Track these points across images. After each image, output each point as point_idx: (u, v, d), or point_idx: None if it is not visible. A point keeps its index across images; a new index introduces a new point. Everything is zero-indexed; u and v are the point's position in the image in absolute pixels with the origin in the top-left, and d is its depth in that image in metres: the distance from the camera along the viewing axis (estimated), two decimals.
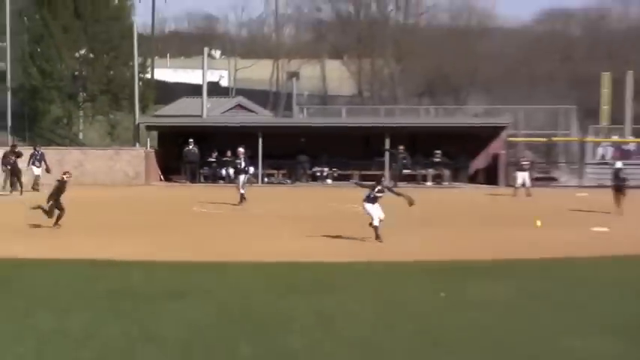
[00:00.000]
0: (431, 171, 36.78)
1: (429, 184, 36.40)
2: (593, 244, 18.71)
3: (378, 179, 20.06)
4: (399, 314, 10.81)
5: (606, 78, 46.61)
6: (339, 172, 37.39)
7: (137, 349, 8.35)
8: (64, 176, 20.40)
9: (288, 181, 37.30)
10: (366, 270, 15.06)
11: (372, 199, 18.39)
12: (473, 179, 37.57)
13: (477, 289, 12.79)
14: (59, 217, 19.44)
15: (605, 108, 47.18)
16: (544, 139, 40.67)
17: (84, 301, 11.28)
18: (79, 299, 11.56)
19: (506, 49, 64.47)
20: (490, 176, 36.51)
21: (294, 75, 56.08)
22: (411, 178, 35.59)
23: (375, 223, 17.87)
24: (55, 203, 19.18)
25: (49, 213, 18.93)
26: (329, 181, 37.53)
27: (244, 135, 36.05)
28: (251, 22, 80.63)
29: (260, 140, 36.90)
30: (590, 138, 41.59)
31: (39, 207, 19.11)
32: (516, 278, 13.92)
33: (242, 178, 26.72)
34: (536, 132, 41.51)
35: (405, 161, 35.77)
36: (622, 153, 39.45)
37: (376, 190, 18.86)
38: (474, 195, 32.96)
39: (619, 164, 27.74)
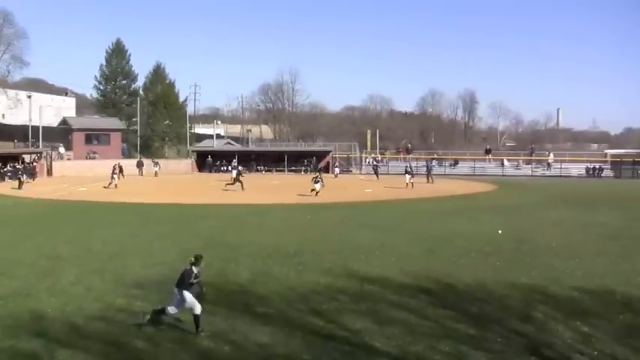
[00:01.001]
0: (303, 167, 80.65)
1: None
2: (366, 196, 44.24)
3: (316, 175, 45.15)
4: (294, 223, 31.62)
5: (369, 133, 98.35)
6: (268, 168, 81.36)
7: (186, 239, 23.38)
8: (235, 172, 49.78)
9: (248, 172, 72.36)
10: (283, 207, 38.40)
11: (318, 180, 42.53)
12: (318, 171, 72.38)
13: (329, 212, 34.01)
14: (242, 186, 45.66)
15: (368, 144, 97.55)
16: (345, 155, 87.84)
17: (172, 220, 32.16)
18: (171, 220, 35.40)
19: (334, 121, 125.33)
20: (327, 170, 76.79)
21: (249, 130, 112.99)
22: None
23: (317, 188, 41.31)
24: (239, 181, 45.92)
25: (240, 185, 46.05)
26: (264, 172, 79.39)
27: (230, 154, 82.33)
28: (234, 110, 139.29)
29: (236, 156, 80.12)
30: (363, 155, 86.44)
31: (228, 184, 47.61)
32: (348, 208, 37.84)
33: (234, 172, 51.89)
34: (343, 152, 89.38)
35: (311, 165, 79.64)
36: (377, 161, 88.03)
37: (317, 177, 43.55)
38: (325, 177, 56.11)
39: (374, 161, 78.94)
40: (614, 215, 32.54)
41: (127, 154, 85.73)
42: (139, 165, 72.91)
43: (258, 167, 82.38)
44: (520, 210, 35.18)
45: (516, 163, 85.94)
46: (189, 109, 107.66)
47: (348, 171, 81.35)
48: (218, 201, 39.95)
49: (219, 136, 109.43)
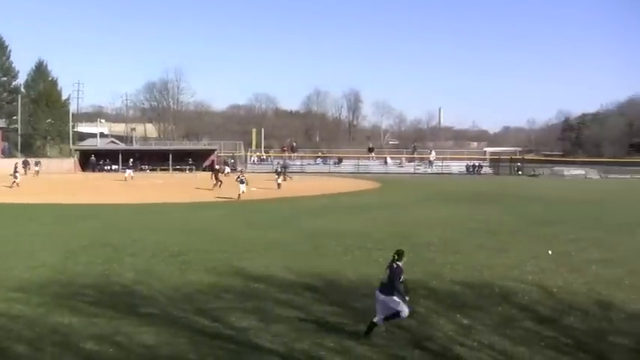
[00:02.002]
0: (188, 166, 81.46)
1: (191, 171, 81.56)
2: (250, 194, 53.07)
3: (218, 171, 53.32)
4: (178, 221, 56.97)
5: (254, 132, 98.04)
6: (153, 167, 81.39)
7: (69, 240, 29.81)
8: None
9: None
10: (167, 206, 54.16)
11: (242, 181, 40.90)
12: (204, 170, 78.84)
13: (214, 210, 52.11)
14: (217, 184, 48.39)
15: (253, 142, 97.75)
16: (231, 153, 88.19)
17: (54, 220, 55.01)
18: (53, 220, 56.53)
19: (219, 120, 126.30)
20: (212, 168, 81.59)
21: (133, 129, 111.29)
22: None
23: (240, 192, 39.46)
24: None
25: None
26: (148, 171, 79.59)
27: (114, 153, 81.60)
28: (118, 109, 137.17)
29: (120, 155, 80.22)
30: (248, 153, 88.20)
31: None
32: (233, 206, 42.99)
33: (129, 170, 62.12)
34: (229, 151, 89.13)
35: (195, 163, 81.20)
36: (262, 159, 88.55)
37: (240, 177, 41.87)
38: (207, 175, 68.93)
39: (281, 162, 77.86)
40: (493, 211, 33.68)
41: (7, 154, 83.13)
42: (25, 164, 71.04)
43: (143, 166, 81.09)
44: (403, 207, 35.85)
45: (399, 161, 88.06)
46: (73, 108, 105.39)
47: (235, 168, 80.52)
48: (101, 201, 39.12)
49: (102, 135, 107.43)
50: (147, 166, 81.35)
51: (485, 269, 17.89)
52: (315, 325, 12.22)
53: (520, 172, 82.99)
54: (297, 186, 49.60)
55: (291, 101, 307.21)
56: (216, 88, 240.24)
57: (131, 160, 72.12)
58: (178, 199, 39.77)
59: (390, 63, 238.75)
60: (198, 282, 15.95)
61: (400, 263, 11.44)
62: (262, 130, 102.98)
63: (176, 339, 11.39)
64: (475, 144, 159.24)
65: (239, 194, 39.89)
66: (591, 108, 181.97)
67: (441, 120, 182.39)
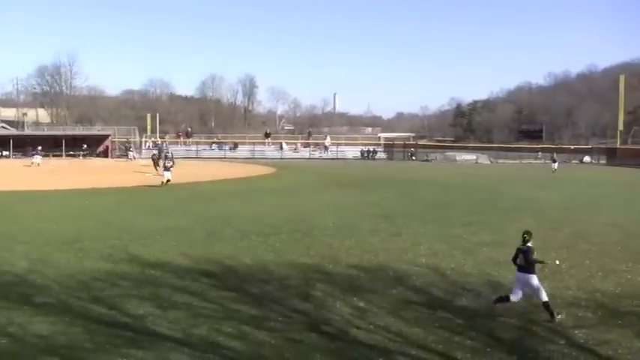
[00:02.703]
0: (82, 152, 78.24)
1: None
2: (146, 180, 53.22)
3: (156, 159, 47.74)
4: (73, 209, 57.42)
5: (149, 117, 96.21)
6: (46, 153, 77.98)
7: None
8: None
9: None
10: (60, 193, 50.61)
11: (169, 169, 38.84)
12: (98, 155, 78.48)
13: (108, 197, 57.25)
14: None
15: (148, 128, 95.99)
16: (125, 139, 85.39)
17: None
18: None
19: (113, 105, 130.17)
20: (105, 154, 79.04)
21: (25, 114, 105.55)
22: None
23: (165, 180, 37.07)
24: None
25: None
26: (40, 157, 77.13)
27: (5, 139, 78.04)
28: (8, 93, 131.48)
29: (12, 140, 77.02)
30: (143, 139, 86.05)
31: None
32: (128, 193, 60.20)
33: (37, 156, 60.02)
34: (123, 136, 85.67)
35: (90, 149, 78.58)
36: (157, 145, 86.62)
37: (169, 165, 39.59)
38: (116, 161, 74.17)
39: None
40: (387, 195, 34.30)
41: None
42: None
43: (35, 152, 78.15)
44: (298, 192, 36.02)
45: (295, 147, 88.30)
46: None
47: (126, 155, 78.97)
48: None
49: None
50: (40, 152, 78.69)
51: (380, 253, 18.20)
52: (213, 311, 12.18)
53: (414, 158, 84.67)
54: (193, 172, 48.84)
55: (186, 86, 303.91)
56: (110, 72, 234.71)
57: (40, 147, 69.27)
58: (74, 186, 38.49)
59: (285, 49, 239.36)
60: (94, 269, 15.57)
61: (530, 244, 12.29)
62: (157, 115, 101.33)
63: (72, 328, 11.10)
64: (369, 130, 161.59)
65: (162, 181, 38.64)
66: (482, 95, 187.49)
67: (336, 106, 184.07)
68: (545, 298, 11.97)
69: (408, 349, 10.30)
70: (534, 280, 12.05)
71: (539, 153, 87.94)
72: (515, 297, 12.27)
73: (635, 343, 10.71)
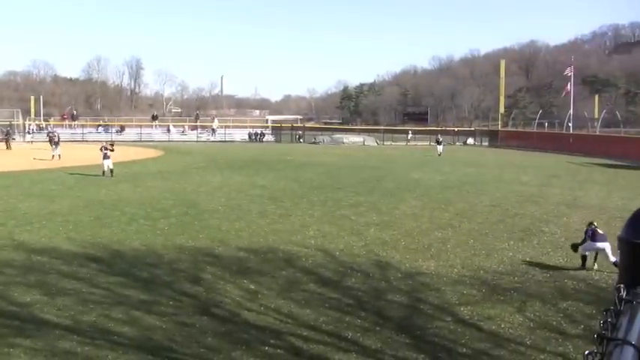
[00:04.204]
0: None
1: None
2: (32, 164, 51.06)
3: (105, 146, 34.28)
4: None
5: (33, 99, 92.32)
6: None
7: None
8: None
9: None
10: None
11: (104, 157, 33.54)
12: None
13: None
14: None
15: (32, 110, 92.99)
16: (7, 122, 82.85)
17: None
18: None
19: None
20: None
21: None
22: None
23: (106, 169, 32.90)
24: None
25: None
26: None
27: None
28: None
29: None
30: (26, 122, 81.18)
31: None
32: (13, 177, 49.25)
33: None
34: (5, 119, 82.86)
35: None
36: (41, 128, 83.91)
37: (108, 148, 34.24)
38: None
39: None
40: (275, 178, 34.25)
41: None
42: None
43: None
44: (186, 175, 35.51)
45: (182, 129, 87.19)
46: None
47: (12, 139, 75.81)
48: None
49: None
50: None
51: (269, 235, 18.28)
52: (102, 297, 11.95)
53: (301, 140, 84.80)
54: (79, 155, 47.49)
55: (70, 68, 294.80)
56: None
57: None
58: None
59: (172, 30, 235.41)
60: None
61: (593, 226, 14.84)
62: (41, 97, 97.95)
63: None
64: (257, 112, 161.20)
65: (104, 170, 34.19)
66: (369, 79, 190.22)
67: (223, 88, 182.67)
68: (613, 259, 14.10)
69: (299, 330, 10.43)
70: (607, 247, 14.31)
71: (410, 134, 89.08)
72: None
73: (517, 318, 11.21)
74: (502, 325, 10.87)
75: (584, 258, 14.80)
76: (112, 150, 35.21)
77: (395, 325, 10.82)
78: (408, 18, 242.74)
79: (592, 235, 14.55)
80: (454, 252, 16.40)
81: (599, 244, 14.43)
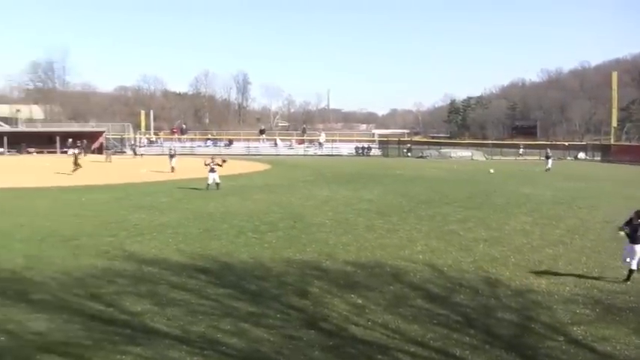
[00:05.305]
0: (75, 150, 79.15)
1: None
2: (140, 177, 62.79)
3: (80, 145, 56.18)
4: (69, 205, 52.91)
5: (143, 114, 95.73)
6: (40, 150, 78.11)
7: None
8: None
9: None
10: (56, 190, 56.70)
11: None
12: (93, 152, 76.76)
13: (104, 194, 42.79)
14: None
15: (142, 124, 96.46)
16: (119, 136, 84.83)
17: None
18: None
19: (106, 102, 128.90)
20: (100, 151, 77.71)
21: (18, 110, 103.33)
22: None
23: (211, 182, 34.30)
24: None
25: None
26: (35, 154, 77.51)
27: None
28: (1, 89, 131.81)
29: (6, 137, 77.04)
30: (137, 135, 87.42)
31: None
32: (123, 189, 53.55)
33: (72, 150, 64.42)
34: (117, 133, 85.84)
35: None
36: (151, 141, 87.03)
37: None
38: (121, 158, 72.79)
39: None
40: (382, 192, 34.12)
41: None
42: None
43: (29, 149, 78.21)
44: (293, 188, 35.84)
45: (289, 143, 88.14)
46: None
47: (122, 152, 78.95)
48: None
49: None
50: (33, 149, 78.49)
51: (376, 249, 18.17)
52: (210, 308, 12.14)
53: (409, 154, 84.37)
54: (187, 168, 48.68)
55: (179, 83, 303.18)
56: (103, 69, 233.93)
57: (70, 139, 69.27)
58: (64, 183, 38.34)
59: (278, 45, 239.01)
60: (90, 266, 15.51)
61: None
62: (151, 111, 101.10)
63: (69, 325, 11.05)
64: (364, 126, 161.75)
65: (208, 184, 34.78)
66: (475, 92, 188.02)
67: (330, 102, 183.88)
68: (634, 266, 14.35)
69: (407, 345, 10.28)
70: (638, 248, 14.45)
71: (521, 149, 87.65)
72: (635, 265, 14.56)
73: (633, 340, 10.71)
74: (617, 347, 10.40)
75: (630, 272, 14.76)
76: (221, 166, 36.17)
77: (505, 343, 10.52)
78: (516, 30, 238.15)
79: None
80: (566, 269, 15.91)
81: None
